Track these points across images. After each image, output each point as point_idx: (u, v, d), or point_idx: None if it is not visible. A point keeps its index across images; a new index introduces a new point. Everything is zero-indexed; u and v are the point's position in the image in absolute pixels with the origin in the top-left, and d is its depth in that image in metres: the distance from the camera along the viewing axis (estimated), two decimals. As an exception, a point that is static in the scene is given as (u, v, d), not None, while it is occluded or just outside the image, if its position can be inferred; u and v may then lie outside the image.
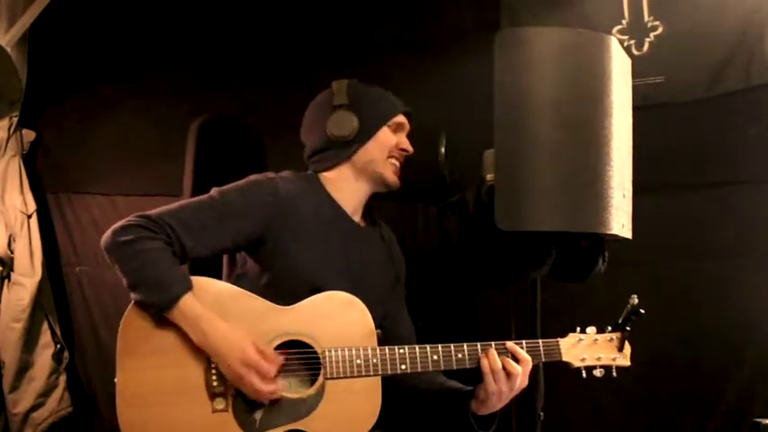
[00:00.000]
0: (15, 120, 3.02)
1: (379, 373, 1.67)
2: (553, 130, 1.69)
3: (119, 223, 1.64)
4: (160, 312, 1.59)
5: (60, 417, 2.99)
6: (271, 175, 1.81)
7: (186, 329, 1.60)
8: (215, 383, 1.61)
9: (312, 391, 1.65)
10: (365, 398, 1.67)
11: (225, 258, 1.85)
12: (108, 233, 1.63)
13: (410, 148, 1.92)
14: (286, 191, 1.77)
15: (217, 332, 1.60)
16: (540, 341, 1.75)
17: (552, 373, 1.95)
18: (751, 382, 2.42)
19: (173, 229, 1.64)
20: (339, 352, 1.66)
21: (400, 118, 1.92)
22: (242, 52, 2.99)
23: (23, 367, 2.93)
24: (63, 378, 3.01)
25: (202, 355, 1.61)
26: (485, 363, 1.69)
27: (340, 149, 1.87)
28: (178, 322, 1.60)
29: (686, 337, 2.47)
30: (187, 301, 1.60)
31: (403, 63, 2.81)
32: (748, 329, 2.42)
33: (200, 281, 1.65)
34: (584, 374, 1.77)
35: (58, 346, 3.01)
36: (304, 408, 1.64)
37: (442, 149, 2.08)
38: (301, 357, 1.67)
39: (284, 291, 1.71)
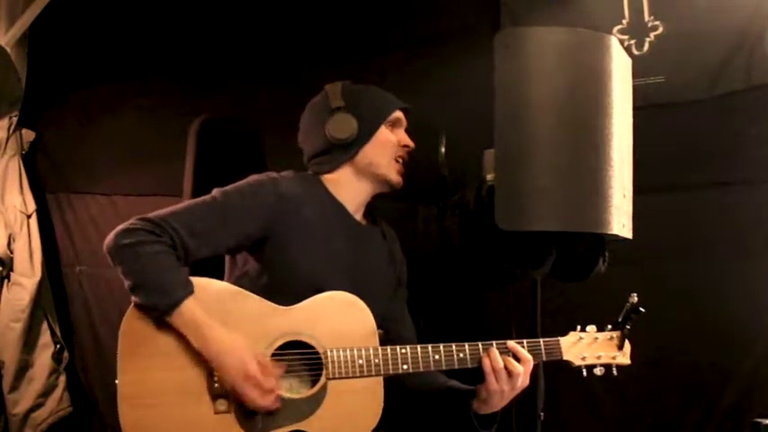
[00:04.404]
0: (15, 119, 3.03)
1: (381, 373, 1.67)
2: (553, 130, 1.69)
3: (121, 226, 1.63)
4: (161, 316, 1.59)
5: (60, 417, 2.99)
6: (273, 174, 1.81)
7: (187, 335, 1.59)
8: (217, 385, 1.61)
9: (314, 391, 1.65)
10: (367, 398, 1.67)
11: (226, 258, 1.84)
12: (110, 236, 1.63)
13: (411, 143, 1.92)
14: (288, 190, 1.78)
15: (218, 341, 1.59)
16: (542, 340, 1.76)
17: (553, 372, 1.95)
18: (751, 382, 2.42)
19: (176, 231, 1.64)
20: (341, 352, 1.66)
21: (397, 114, 1.92)
22: (242, 52, 2.99)
23: (23, 367, 2.93)
24: (62, 378, 3.01)
25: (204, 356, 1.61)
26: (486, 362, 1.69)
27: (341, 152, 1.87)
28: (178, 327, 1.59)
29: (686, 337, 2.47)
30: (188, 307, 1.59)
31: (403, 63, 2.81)
32: (748, 329, 2.42)
33: (201, 281, 1.65)
34: (584, 373, 1.77)
35: (58, 346, 3.01)
36: (306, 408, 1.64)
37: (442, 149, 2.08)
38: (303, 358, 1.67)
39: (285, 290, 1.70)
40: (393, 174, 1.89)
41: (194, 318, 1.59)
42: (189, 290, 1.61)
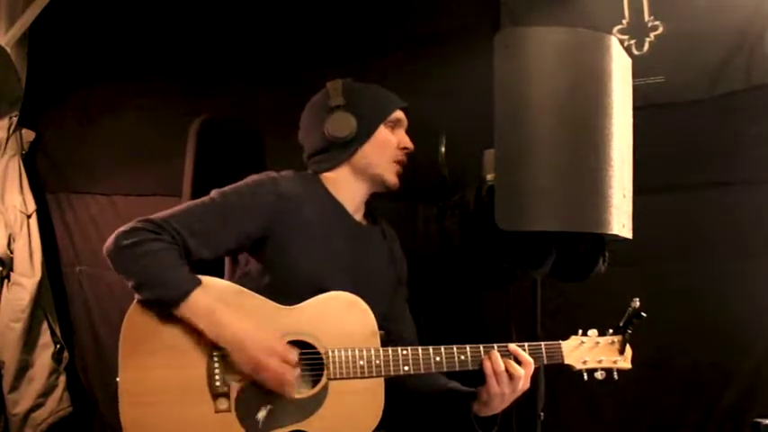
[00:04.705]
0: (15, 119, 3.03)
1: (382, 374, 1.67)
2: (553, 130, 1.69)
3: (121, 228, 1.64)
4: (168, 309, 1.59)
5: (60, 417, 2.99)
6: (272, 174, 1.81)
7: (198, 323, 1.59)
8: (218, 384, 1.61)
9: (315, 391, 1.65)
10: (368, 398, 1.68)
11: (227, 258, 1.84)
12: (111, 239, 1.63)
13: (411, 145, 1.92)
14: (288, 190, 1.78)
15: (234, 324, 1.60)
16: (543, 344, 1.76)
17: (553, 374, 1.95)
18: (751, 382, 2.42)
19: (177, 231, 1.64)
20: (342, 352, 1.66)
21: (398, 114, 1.92)
22: (242, 52, 2.99)
23: (23, 367, 2.94)
24: (63, 378, 3.02)
25: (205, 355, 1.61)
26: (487, 365, 1.69)
27: (339, 150, 1.87)
28: (188, 317, 1.59)
29: (686, 337, 2.47)
30: (199, 296, 1.60)
31: (403, 63, 2.81)
32: (748, 329, 2.41)
33: (203, 279, 1.64)
34: (585, 377, 1.77)
35: (58, 346, 3.02)
36: (307, 408, 1.64)
37: (442, 149, 2.08)
38: (304, 358, 1.67)
39: (286, 290, 1.70)
40: (390, 175, 1.88)
41: (208, 305, 1.60)
42: (197, 281, 1.62)
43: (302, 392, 1.66)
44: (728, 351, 2.43)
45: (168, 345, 1.61)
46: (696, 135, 2.50)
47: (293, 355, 1.61)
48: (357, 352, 1.67)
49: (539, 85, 1.69)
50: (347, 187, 1.88)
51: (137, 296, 1.60)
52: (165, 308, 1.59)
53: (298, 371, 1.62)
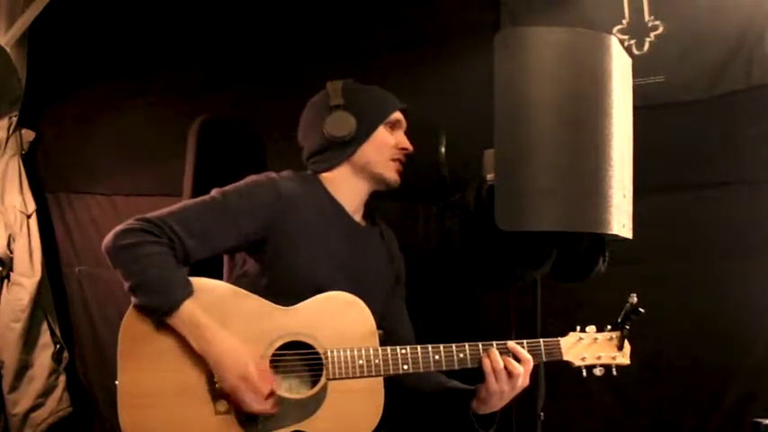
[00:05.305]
0: (15, 119, 3.03)
1: (381, 373, 1.67)
2: (553, 130, 1.69)
3: (120, 226, 1.63)
4: (160, 318, 1.59)
5: (60, 417, 2.99)
6: (272, 174, 1.81)
7: (186, 336, 1.60)
8: (218, 386, 1.61)
9: (314, 392, 1.65)
10: (367, 398, 1.67)
11: (225, 258, 1.84)
12: (109, 236, 1.63)
13: (410, 146, 1.92)
14: (287, 190, 1.77)
15: (217, 343, 1.60)
16: (542, 340, 1.76)
17: (553, 372, 1.95)
18: (751, 382, 2.42)
19: (175, 231, 1.64)
20: (341, 352, 1.66)
21: (397, 115, 1.92)
22: (242, 52, 2.99)
23: (23, 367, 2.94)
24: (62, 378, 3.02)
25: (203, 357, 1.61)
26: (486, 362, 1.69)
27: (338, 150, 1.87)
28: (178, 329, 1.60)
29: (686, 337, 2.47)
30: (188, 308, 1.59)
31: (403, 62, 2.81)
32: (748, 329, 2.41)
33: (201, 282, 1.65)
34: (584, 373, 1.77)
35: (58, 346, 3.02)
36: (306, 409, 1.64)
37: (442, 149, 2.08)
38: (303, 358, 1.67)
39: (285, 291, 1.70)
40: (391, 172, 1.88)
41: (194, 319, 1.60)
42: (188, 291, 1.61)
43: (301, 393, 1.66)
44: (728, 350, 2.43)
45: (167, 347, 1.61)
46: (696, 135, 2.50)
47: (266, 386, 1.60)
48: (356, 352, 1.67)
49: (539, 85, 1.69)
50: (346, 187, 1.88)
51: (132, 299, 1.60)
52: (157, 316, 1.59)
53: (269, 402, 1.61)
